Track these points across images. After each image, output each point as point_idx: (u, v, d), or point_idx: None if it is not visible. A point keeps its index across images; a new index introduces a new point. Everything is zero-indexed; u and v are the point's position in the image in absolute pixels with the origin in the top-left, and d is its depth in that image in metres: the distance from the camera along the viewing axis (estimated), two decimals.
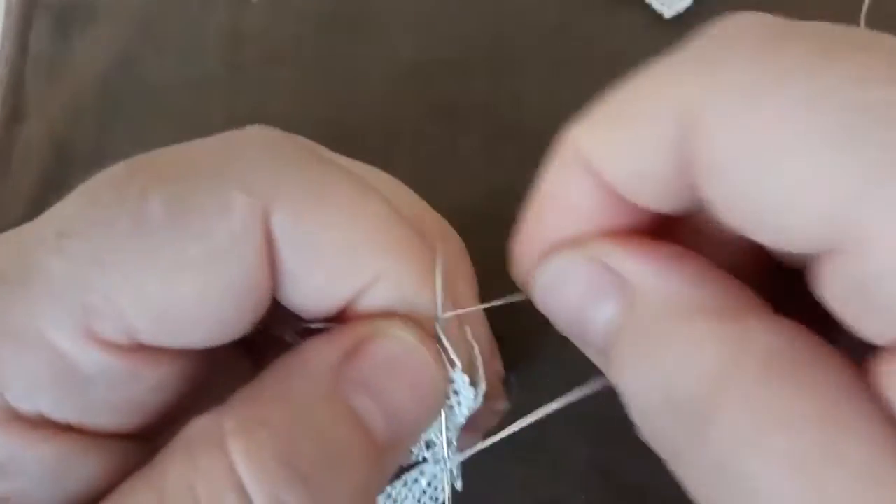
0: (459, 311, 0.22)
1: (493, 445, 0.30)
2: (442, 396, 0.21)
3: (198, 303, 0.18)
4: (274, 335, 0.22)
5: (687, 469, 0.17)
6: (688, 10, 0.34)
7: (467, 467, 0.25)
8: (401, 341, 0.20)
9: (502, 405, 0.27)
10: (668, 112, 0.17)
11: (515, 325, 0.28)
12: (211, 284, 0.18)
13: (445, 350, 0.21)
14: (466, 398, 0.21)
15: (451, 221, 0.27)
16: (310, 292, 0.20)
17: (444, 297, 0.21)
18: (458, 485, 0.25)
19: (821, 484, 0.14)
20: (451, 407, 0.22)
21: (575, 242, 0.19)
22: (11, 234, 0.20)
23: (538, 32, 0.36)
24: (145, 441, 0.21)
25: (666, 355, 0.17)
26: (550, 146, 0.20)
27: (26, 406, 0.19)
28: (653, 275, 0.18)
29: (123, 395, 0.19)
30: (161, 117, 0.35)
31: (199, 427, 0.18)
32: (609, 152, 0.18)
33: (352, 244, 0.20)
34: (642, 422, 0.18)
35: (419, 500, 0.24)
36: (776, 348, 0.16)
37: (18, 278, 0.18)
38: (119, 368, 0.19)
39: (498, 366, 0.27)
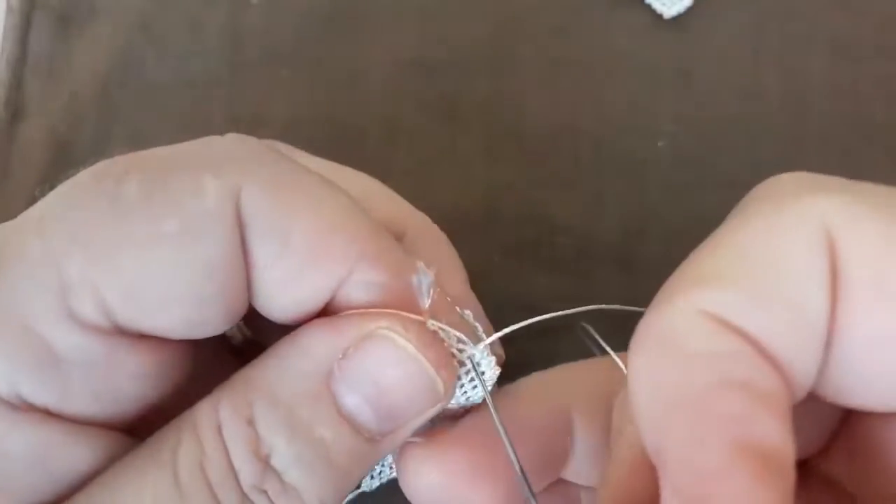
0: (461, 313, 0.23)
1: None
2: (437, 397, 0.21)
3: (171, 279, 0.19)
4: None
5: None
6: (688, 10, 0.34)
7: None
8: (399, 347, 0.20)
9: (499, 351, 0.28)
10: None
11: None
12: (183, 261, 0.19)
13: (451, 345, 0.22)
14: (489, 367, 0.22)
15: (451, 221, 0.27)
16: (282, 288, 0.20)
17: (436, 290, 0.21)
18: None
19: None
20: (473, 379, 0.22)
21: None
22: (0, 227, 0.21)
23: (538, 32, 0.36)
24: (132, 435, 0.21)
25: None
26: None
27: (4, 387, 0.19)
28: None
29: (103, 382, 0.20)
30: (161, 117, 0.35)
31: (203, 411, 0.20)
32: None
33: (319, 232, 0.20)
34: None
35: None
36: None
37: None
38: (97, 352, 0.19)
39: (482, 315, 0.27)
